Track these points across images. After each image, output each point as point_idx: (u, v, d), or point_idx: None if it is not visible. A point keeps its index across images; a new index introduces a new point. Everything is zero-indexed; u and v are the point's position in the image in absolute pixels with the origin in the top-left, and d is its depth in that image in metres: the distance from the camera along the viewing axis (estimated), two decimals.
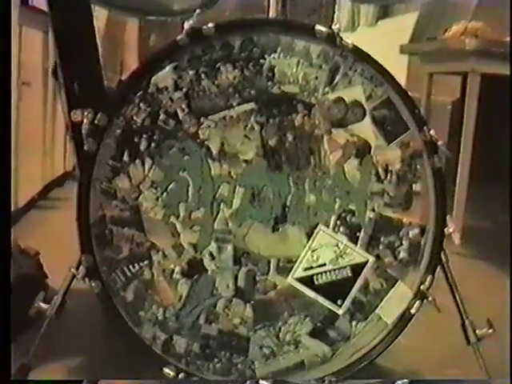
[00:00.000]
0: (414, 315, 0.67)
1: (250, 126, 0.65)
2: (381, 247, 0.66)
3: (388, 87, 0.65)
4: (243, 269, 0.66)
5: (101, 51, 0.82)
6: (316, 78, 0.65)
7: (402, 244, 0.67)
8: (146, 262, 0.65)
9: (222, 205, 0.65)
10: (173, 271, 0.65)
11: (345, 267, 0.66)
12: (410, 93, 0.65)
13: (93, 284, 0.63)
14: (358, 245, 0.66)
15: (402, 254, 0.67)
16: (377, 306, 0.67)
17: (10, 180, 0.62)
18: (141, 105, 0.64)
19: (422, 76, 1.60)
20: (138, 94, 0.64)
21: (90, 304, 0.70)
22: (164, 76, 0.64)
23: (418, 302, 0.67)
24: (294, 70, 0.65)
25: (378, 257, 0.66)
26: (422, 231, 0.67)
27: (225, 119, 0.65)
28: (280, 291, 0.66)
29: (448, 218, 0.67)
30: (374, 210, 0.66)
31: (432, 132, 0.66)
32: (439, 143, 0.66)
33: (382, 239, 0.66)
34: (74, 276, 0.65)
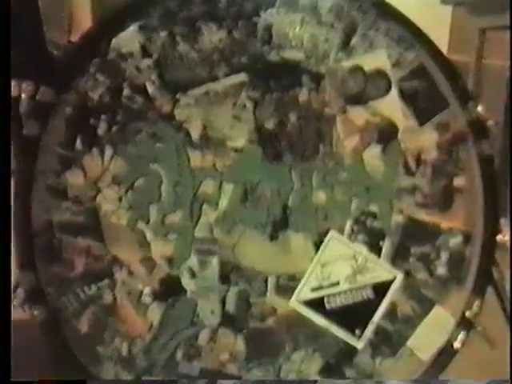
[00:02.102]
0: (457, 350, 0.67)
1: (240, 103, 0.65)
2: (411, 260, 0.67)
3: (421, 51, 0.65)
4: (233, 289, 0.66)
5: (40, 2, 0.81)
6: (326, 40, 0.65)
7: (439, 256, 0.67)
8: (106, 282, 0.66)
9: (204, 206, 0.66)
10: (141, 293, 0.66)
11: (365, 287, 0.66)
12: (453, 56, 0.68)
13: (35, 311, 0.63)
14: (382, 257, 0.66)
15: (440, 270, 0.67)
16: (407, 338, 0.67)
17: (9, 180, 0.62)
18: (97, 76, 0.64)
19: (471, 33, 1.58)
20: (94, 61, 0.64)
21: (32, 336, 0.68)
22: (128, 38, 0.64)
23: (462, 333, 0.67)
24: (298, 29, 0.65)
25: (407, 273, 0.67)
26: (467, 239, 0.67)
27: (208, 95, 0.65)
28: (281, 318, 0.67)
29: (502, 221, 0.67)
30: (402, 211, 0.66)
31: (480, 109, 0.66)
32: (489, 123, 0.66)
33: (412, 250, 0.67)
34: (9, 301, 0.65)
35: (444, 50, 0.66)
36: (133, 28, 0.64)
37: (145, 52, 0.64)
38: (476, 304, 0.67)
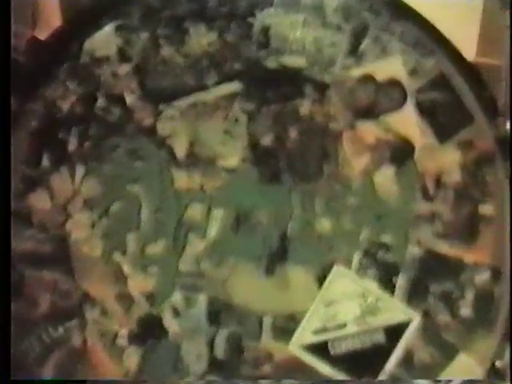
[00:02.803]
0: None
1: (232, 116, 0.64)
2: (430, 299, 0.64)
3: (441, 57, 0.64)
4: (222, 331, 0.65)
5: None
6: (332, 44, 0.64)
7: (463, 295, 0.65)
8: (75, 322, 0.64)
9: (190, 234, 0.64)
10: (116, 335, 0.64)
11: (375, 330, 0.64)
12: (482, 59, 0.65)
13: None
14: (396, 296, 0.64)
15: (465, 311, 0.65)
16: None
17: (9, 180, 0.62)
18: (68, 83, 0.63)
19: (503, 30, 1.55)
20: (64, 65, 0.63)
21: None
22: (103, 40, 0.64)
23: None
24: (299, 32, 0.64)
25: (426, 314, 0.64)
26: (495, 275, 0.65)
27: (195, 106, 0.64)
28: (278, 364, 0.65)
29: None
30: (419, 242, 0.64)
31: (510, 124, 0.65)
32: None
33: (431, 287, 0.64)
34: None
35: (472, 52, 0.64)
36: (109, 28, 0.63)
37: (123, 56, 0.64)
38: (507, 352, 0.65)
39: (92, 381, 0.64)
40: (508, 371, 0.64)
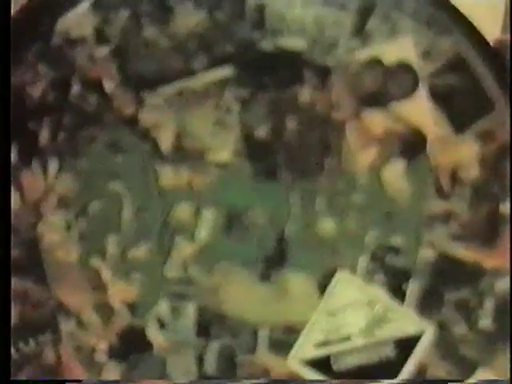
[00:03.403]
0: None
1: (224, 105, 0.62)
2: (445, 309, 0.61)
3: (459, 36, 0.61)
4: (213, 343, 0.62)
5: None
6: (335, 23, 0.61)
7: (482, 304, 0.62)
8: (48, 335, 0.62)
9: (177, 237, 0.62)
10: (94, 349, 0.62)
11: (384, 343, 0.61)
12: (506, 36, 0.62)
13: None
14: (406, 304, 0.61)
15: (484, 321, 0.62)
16: None
17: (9, 180, 0.61)
18: (38, 66, 0.61)
19: None
20: (34, 47, 0.61)
21: None
22: (78, 18, 0.61)
23: None
24: (298, 10, 0.62)
25: (440, 325, 0.61)
26: None
27: (182, 94, 0.62)
28: (276, 381, 0.62)
29: None
30: (432, 245, 0.61)
31: None
32: None
33: (446, 295, 0.61)
34: None
35: (496, 30, 0.61)
36: (85, 5, 0.61)
37: (100, 37, 0.61)
38: None
39: (88, 380, 0.63)
40: (508, 371, 0.62)
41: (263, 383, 0.63)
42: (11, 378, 0.60)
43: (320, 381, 0.63)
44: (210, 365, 0.62)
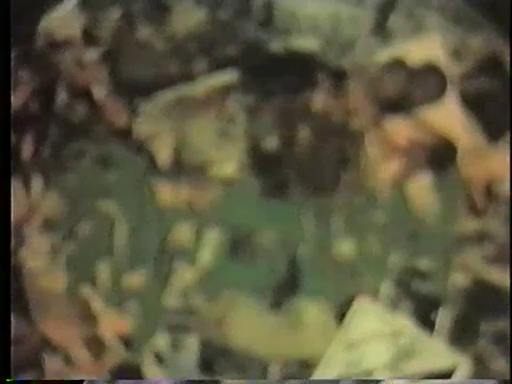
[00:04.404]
0: None
1: (227, 113, 0.60)
2: (481, 341, 0.58)
3: (492, 34, 0.59)
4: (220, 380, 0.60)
5: None
6: (352, 21, 0.60)
7: None
8: (31, 374, 0.59)
9: (176, 262, 0.60)
10: None
11: (412, 378, 0.58)
12: None
13: None
14: (436, 335, 0.58)
15: None
16: None
17: (9, 180, 0.61)
18: (20, 72, 0.60)
19: None
20: (16, 51, 0.60)
21: None
22: (64, 18, 0.60)
23: None
24: (311, 7, 0.61)
25: (476, 359, 0.58)
26: None
27: (181, 102, 0.60)
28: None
29: None
30: (465, 269, 0.59)
31: None
32: None
33: (482, 325, 0.58)
34: None
35: None
36: (72, 2, 0.60)
37: (89, 39, 0.60)
38: None
39: (89, 381, 0.60)
40: (508, 371, 0.59)
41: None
42: (11, 378, 0.58)
43: (320, 380, 0.60)
44: None
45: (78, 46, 0.60)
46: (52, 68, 0.60)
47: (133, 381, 0.62)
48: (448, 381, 0.60)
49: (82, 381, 0.62)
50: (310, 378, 0.62)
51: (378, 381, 0.61)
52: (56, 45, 0.60)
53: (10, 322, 0.60)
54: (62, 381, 0.62)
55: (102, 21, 0.60)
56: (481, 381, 0.62)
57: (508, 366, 0.59)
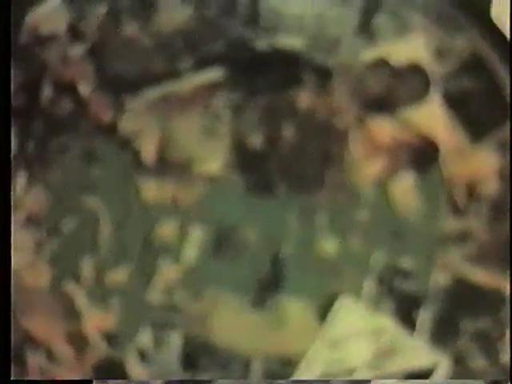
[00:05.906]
0: None
1: (213, 111, 0.60)
2: (462, 340, 0.58)
3: (475, 34, 0.58)
4: (201, 377, 0.60)
5: None
6: (337, 20, 0.59)
7: (503, 334, 0.59)
8: (14, 370, 0.59)
9: (160, 258, 0.59)
10: None
11: (392, 376, 0.58)
12: None
13: None
14: (417, 334, 0.58)
15: (506, 355, 0.59)
16: None
17: (9, 180, 0.62)
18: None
19: None
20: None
21: None
22: (49, 13, 0.59)
23: None
24: (296, 6, 0.60)
25: (456, 358, 0.58)
26: None
27: (166, 99, 0.60)
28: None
29: None
30: (446, 268, 0.58)
31: None
32: None
33: (462, 325, 0.58)
34: None
35: None
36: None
37: (75, 34, 0.59)
38: None
39: (99, 380, 0.61)
40: (508, 371, 0.59)
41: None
42: (11, 378, 0.59)
43: (320, 381, 0.60)
44: None
45: (63, 42, 0.59)
46: (37, 63, 0.59)
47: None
48: (438, 381, 0.60)
49: (91, 381, 0.63)
50: (300, 379, 0.62)
51: (368, 381, 0.61)
52: (41, 40, 0.59)
53: (9, 322, 0.59)
54: (70, 381, 0.63)
55: (88, 16, 0.59)
56: (468, 381, 0.62)
57: (489, 365, 0.59)
